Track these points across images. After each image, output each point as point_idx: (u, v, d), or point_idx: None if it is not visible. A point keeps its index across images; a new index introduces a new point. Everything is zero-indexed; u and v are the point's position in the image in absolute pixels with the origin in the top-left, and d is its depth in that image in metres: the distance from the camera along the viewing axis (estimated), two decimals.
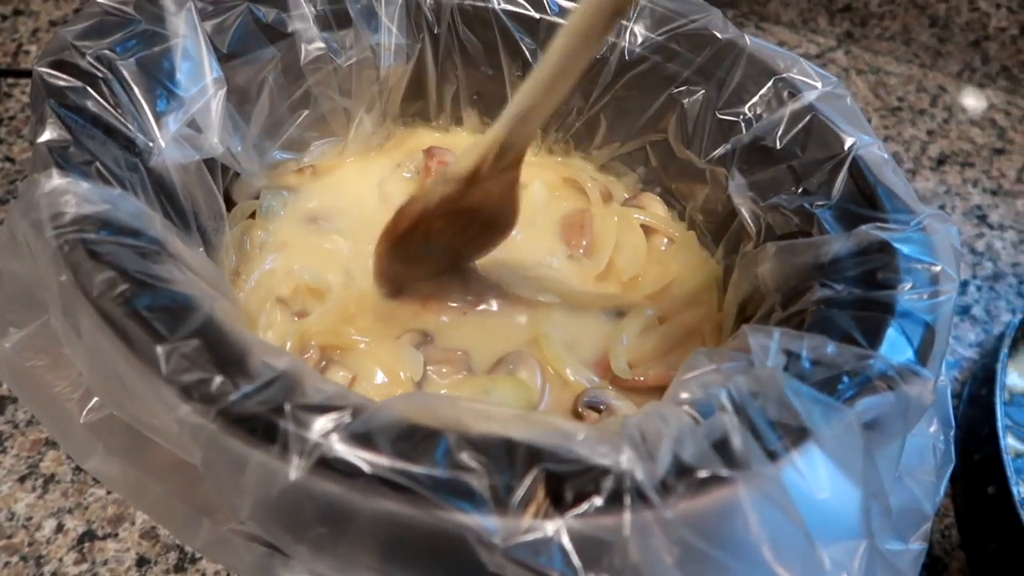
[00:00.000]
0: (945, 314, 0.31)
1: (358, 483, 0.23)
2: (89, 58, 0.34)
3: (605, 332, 0.42)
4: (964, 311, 0.59)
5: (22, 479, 0.43)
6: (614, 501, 0.23)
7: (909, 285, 0.32)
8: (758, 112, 0.42)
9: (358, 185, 0.48)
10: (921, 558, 0.29)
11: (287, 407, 0.24)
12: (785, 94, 0.41)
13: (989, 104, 0.76)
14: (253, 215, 0.45)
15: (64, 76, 0.33)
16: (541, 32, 0.47)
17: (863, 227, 0.34)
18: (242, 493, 0.24)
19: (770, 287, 0.37)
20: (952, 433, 0.33)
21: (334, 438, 0.24)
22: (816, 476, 0.25)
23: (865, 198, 0.36)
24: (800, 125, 0.40)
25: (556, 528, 0.23)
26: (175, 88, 0.36)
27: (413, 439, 0.24)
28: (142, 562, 0.41)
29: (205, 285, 0.30)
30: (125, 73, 0.35)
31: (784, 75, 0.41)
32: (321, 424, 0.24)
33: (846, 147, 0.38)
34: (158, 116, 0.35)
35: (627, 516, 0.23)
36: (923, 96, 0.76)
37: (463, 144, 0.50)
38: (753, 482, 0.24)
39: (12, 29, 0.69)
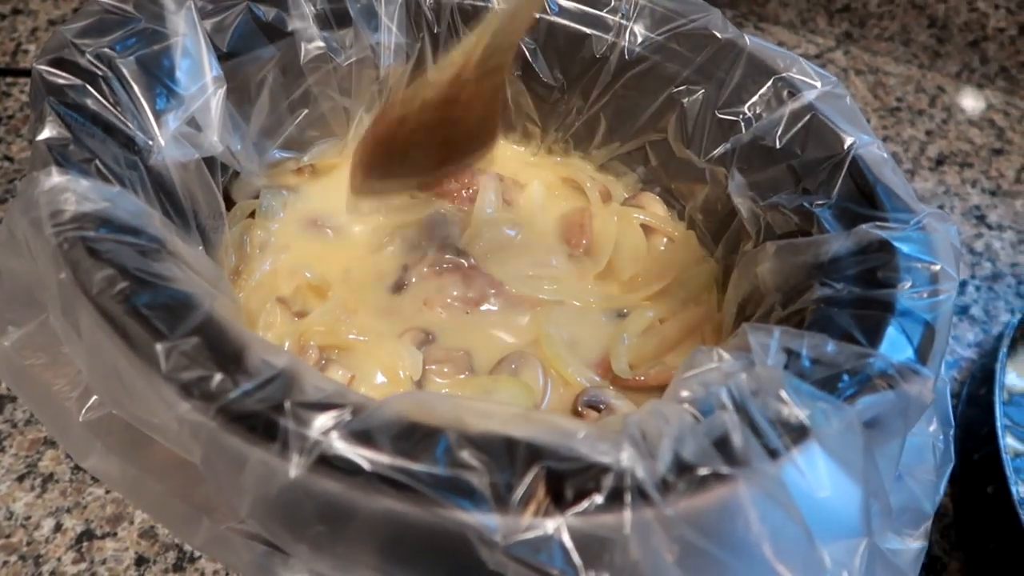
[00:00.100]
0: (945, 313, 0.31)
1: (358, 481, 0.23)
2: (89, 56, 0.34)
3: (606, 332, 0.42)
4: (963, 311, 0.59)
5: (20, 478, 0.43)
6: (615, 499, 0.23)
7: (909, 284, 0.32)
8: (758, 112, 0.42)
9: None
10: (921, 557, 0.29)
11: (287, 405, 0.24)
12: (785, 94, 0.41)
13: (988, 104, 0.77)
14: (253, 214, 0.45)
15: (64, 74, 0.33)
16: (541, 32, 0.47)
17: (863, 226, 0.34)
18: (242, 491, 0.24)
19: (770, 286, 0.37)
20: (952, 432, 0.33)
21: (334, 436, 0.24)
22: (816, 474, 0.25)
23: (865, 197, 0.36)
24: (800, 124, 0.40)
25: (557, 526, 0.23)
26: (175, 86, 0.36)
27: (413, 437, 0.24)
28: (141, 561, 0.41)
29: (205, 283, 0.30)
30: (125, 71, 0.35)
31: (784, 75, 0.41)
32: (321, 422, 0.24)
33: (846, 146, 0.38)
34: (158, 114, 0.35)
35: (628, 514, 0.23)
36: (922, 96, 0.76)
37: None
38: (754, 480, 0.24)
39: (11, 28, 0.69)
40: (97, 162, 0.31)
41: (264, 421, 0.24)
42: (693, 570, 0.23)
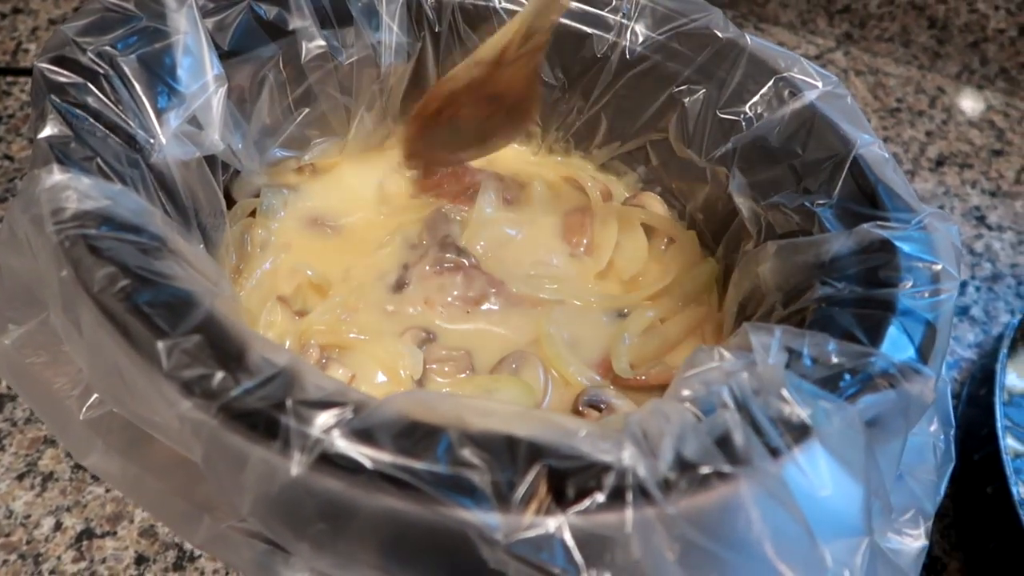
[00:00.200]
0: (946, 312, 0.31)
1: (359, 479, 0.23)
2: (90, 54, 0.34)
3: (607, 332, 0.42)
4: (963, 312, 0.59)
5: (20, 477, 0.43)
6: (616, 497, 0.23)
7: (910, 283, 0.32)
8: (759, 111, 0.42)
9: (358, 184, 0.48)
10: (922, 556, 0.29)
11: (288, 403, 0.24)
12: (786, 93, 0.41)
13: (988, 105, 0.77)
14: (253, 213, 0.45)
15: (65, 72, 0.33)
16: None
17: (864, 225, 0.34)
18: (243, 489, 0.24)
19: (771, 286, 0.37)
20: (952, 432, 0.33)
21: (336, 434, 0.23)
22: (818, 473, 0.25)
23: (866, 197, 0.36)
24: (801, 124, 0.40)
25: (558, 524, 0.23)
26: (176, 85, 0.36)
27: (415, 435, 0.24)
28: (141, 560, 0.41)
29: (206, 282, 0.30)
30: (126, 69, 0.35)
31: (785, 74, 0.41)
32: (323, 420, 0.24)
33: (847, 146, 0.38)
34: (159, 112, 0.35)
35: (629, 513, 0.23)
36: (922, 97, 0.76)
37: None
38: (755, 479, 0.24)
39: (11, 27, 0.69)
40: (98, 160, 0.31)
41: (265, 419, 0.24)
42: (694, 569, 0.23)
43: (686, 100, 0.45)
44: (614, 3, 0.46)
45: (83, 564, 0.41)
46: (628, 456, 0.24)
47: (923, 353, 0.30)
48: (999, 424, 0.45)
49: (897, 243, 0.33)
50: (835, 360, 0.28)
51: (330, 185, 0.47)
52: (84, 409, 0.30)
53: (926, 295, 0.31)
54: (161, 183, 0.35)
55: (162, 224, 0.31)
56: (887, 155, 0.38)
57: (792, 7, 0.80)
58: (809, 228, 0.37)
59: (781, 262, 0.37)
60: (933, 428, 0.33)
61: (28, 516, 0.42)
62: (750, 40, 0.43)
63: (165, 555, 0.41)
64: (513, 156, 0.51)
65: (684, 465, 0.24)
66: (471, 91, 0.42)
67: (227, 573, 0.41)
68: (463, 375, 0.40)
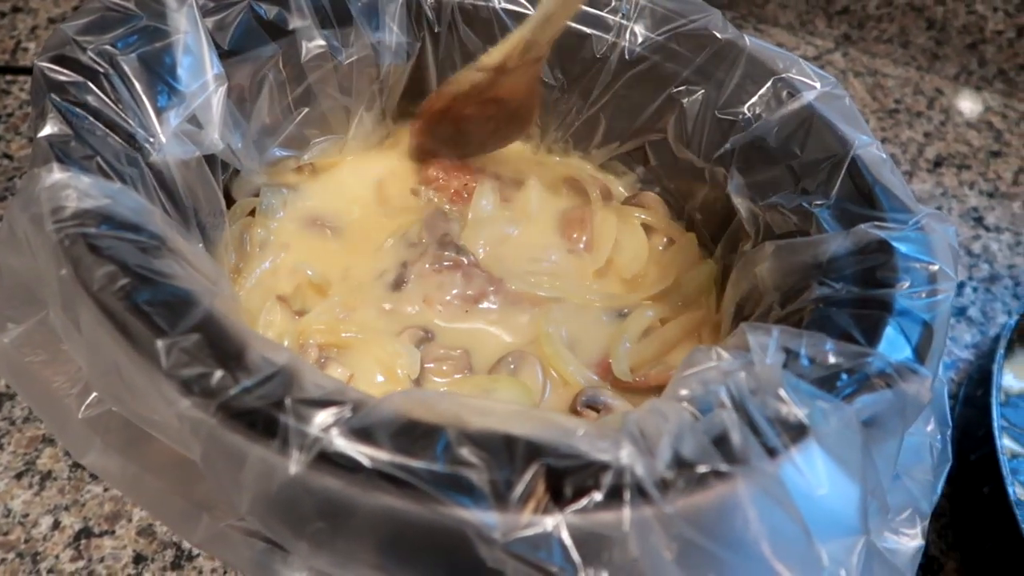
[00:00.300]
0: (943, 313, 0.31)
1: (358, 478, 0.23)
2: (90, 53, 0.34)
3: (606, 332, 0.42)
4: (960, 313, 0.59)
5: (19, 476, 0.43)
6: (614, 496, 0.23)
7: (907, 284, 0.32)
8: (757, 112, 0.42)
9: (357, 183, 0.48)
10: (918, 556, 0.29)
11: (287, 401, 0.24)
12: (784, 94, 0.41)
13: (986, 107, 0.77)
14: (253, 213, 0.45)
15: (65, 71, 0.33)
16: None
17: (861, 226, 0.35)
18: (241, 488, 0.24)
19: (768, 286, 0.37)
20: (949, 432, 0.33)
21: (334, 432, 0.24)
22: (815, 473, 0.25)
23: (863, 197, 0.36)
24: (799, 125, 0.40)
25: (556, 523, 0.23)
26: (176, 84, 0.36)
27: (413, 434, 0.24)
28: (139, 559, 0.41)
29: (205, 281, 0.30)
30: (126, 68, 0.35)
31: (783, 75, 0.42)
32: (321, 418, 0.24)
33: (845, 147, 0.38)
34: (159, 112, 0.35)
35: (627, 512, 0.23)
36: (920, 98, 0.77)
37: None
38: (752, 478, 0.24)
39: (11, 26, 0.69)
40: (98, 159, 0.31)
41: (264, 418, 0.24)
42: (692, 568, 0.23)
43: (685, 101, 0.45)
44: (613, 4, 0.46)
45: (81, 563, 0.41)
46: (626, 455, 0.24)
47: (920, 353, 0.30)
48: (996, 424, 0.45)
49: (894, 244, 0.33)
50: (832, 360, 0.28)
51: (329, 185, 0.47)
52: (83, 408, 0.30)
53: (923, 295, 0.31)
54: (161, 182, 0.35)
55: (161, 223, 0.31)
56: (885, 156, 0.38)
57: (791, 8, 0.80)
58: (807, 228, 0.37)
59: (779, 262, 0.37)
60: (930, 428, 0.33)
61: (26, 515, 0.42)
62: (749, 41, 0.43)
63: (163, 554, 0.41)
64: (511, 155, 0.51)
65: (682, 464, 0.24)
66: (474, 94, 0.44)
67: (225, 572, 0.41)
68: (461, 375, 0.40)
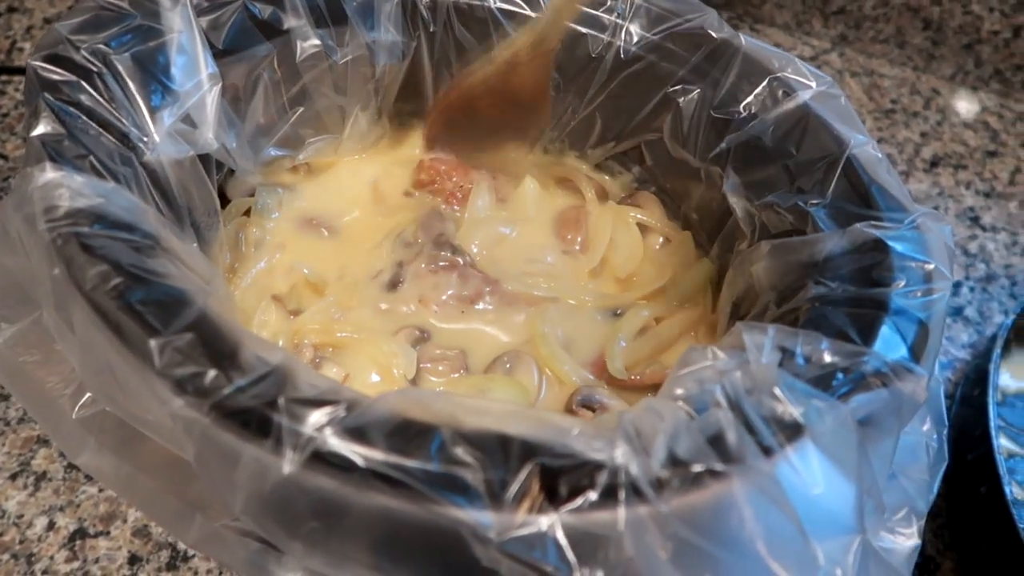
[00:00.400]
0: (939, 312, 0.31)
1: (352, 477, 0.23)
2: (84, 52, 0.34)
3: (601, 331, 0.42)
4: (957, 312, 0.59)
5: (13, 476, 0.43)
6: (609, 496, 0.23)
7: (903, 283, 0.32)
8: (753, 111, 0.42)
9: (353, 183, 0.48)
10: (915, 556, 0.29)
11: (281, 401, 0.24)
12: (780, 93, 0.41)
13: (982, 107, 0.77)
14: (247, 212, 0.45)
15: (59, 70, 0.33)
16: None
17: (857, 225, 0.35)
18: (235, 488, 0.24)
19: (764, 285, 0.37)
20: (945, 432, 0.33)
21: (328, 432, 0.23)
22: (810, 472, 0.25)
23: (859, 196, 0.36)
24: (795, 124, 0.40)
25: (551, 523, 0.23)
26: (170, 83, 0.36)
27: (407, 433, 0.24)
28: (134, 560, 0.41)
29: (199, 280, 0.30)
30: (120, 68, 0.34)
31: (779, 74, 0.41)
32: (315, 418, 0.24)
33: (840, 146, 0.38)
34: (153, 111, 0.35)
35: (622, 511, 0.23)
36: (916, 99, 0.77)
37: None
38: (748, 477, 0.24)
39: (6, 26, 0.69)
40: (92, 158, 0.31)
41: (258, 417, 0.24)
42: (687, 567, 0.23)
43: (680, 100, 0.45)
44: (609, 3, 0.46)
45: (76, 564, 0.40)
46: (621, 454, 0.24)
47: (916, 352, 0.30)
48: (992, 424, 0.45)
49: (890, 243, 0.33)
50: (828, 359, 0.28)
51: (325, 184, 0.47)
52: (77, 408, 0.30)
53: (919, 295, 0.31)
54: (154, 182, 0.34)
55: (155, 222, 0.31)
56: (880, 155, 0.38)
57: (787, 8, 0.80)
58: (803, 228, 0.37)
59: (775, 261, 0.37)
60: (926, 427, 0.33)
61: (21, 516, 0.42)
62: (744, 40, 0.43)
63: (158, 555, 0.41)
64: (507, 155, 0.51)
65: (677, 463, 0.24)
66: (486, 86, 0.46)
67: (220, 572, 0.41)
68: (457, 374, 0.39)
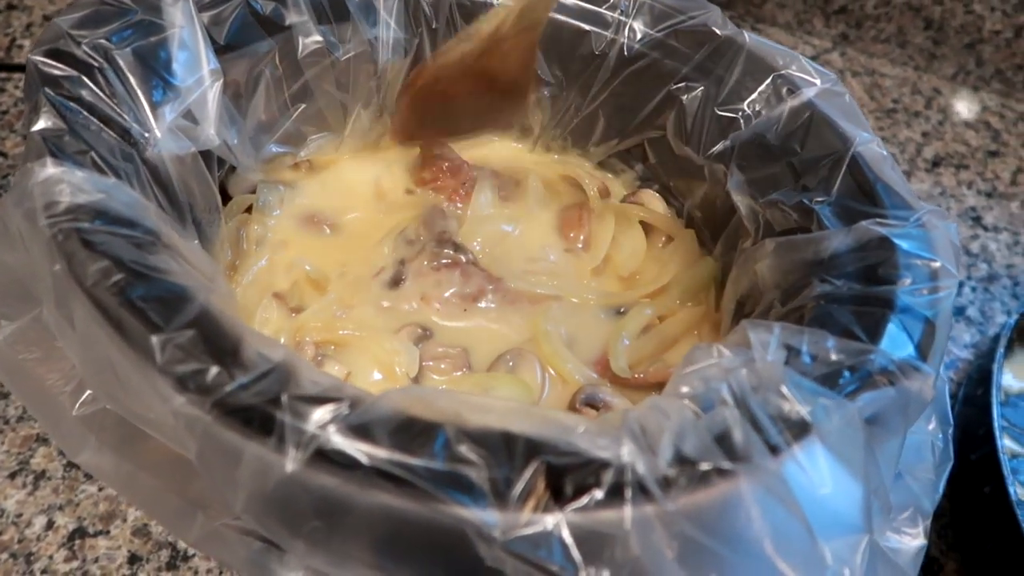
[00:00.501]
0: (945, 310, 0.31)
1: (355, 475, 0.23)
2: (85, 47, 0.34)
3: (604, 329, 0.42)
4: (959, 312, 0.59)
5: (12, 475, 0.43)
6: (615, 494, 0.23)
7: (909, 280, 0.32)
8: (757, 109, 0.42)
9: (355, 180, 0.48)
10: (921, 555, 0.29)
11: (284, 398, 0.24)
12: (784, 91, 0.41)
13: (983, 107, 0.77)
14: (249, 209, 0.44)
15: (59, 65, 0.33)
16: None
17: (862, 223, 0.34)
18: (237, 486, 0.24)
19: (769, 283, 0.37)
20: (951, 431, 0.33)
21: (331, 430, 0.23)
22: (817, 471, 0.25)
23: (864, 194, 0.36)
24: (799, 122, 0.40)
25: (556, 521, 0.22)
26: (171, 79, 0.36)
27: (411, 431, 0.24)
28: (134, 559, 0.41)
29: (201, 277, 0.29)
30: (121, 63, 0.34)
31: (783, 72, 0.41)
32: (318, 415, 0.23)
33: (845, 143, 0.38)
34: (154, 106, 0.35)
35: (628, 510, 0.23)
36: (918, 98, 0.76)
37: (458, 142, 0.50)
38: (755, 476, 0.24)
39: (6, 23, 0.69)
40: (92, 154, 0.31)
41: (260, 415, 0.24)
42: (693, 566, 0.23)
43: (684, 97, 0.45)
44: (612, 0, 0.46)
45: (75, 563, 0.40)
46: (627, 453, 0.24)
47: (922, 350, 0.30)
48: (996, 424, 0.45)
49: (896, 240, 0.33)
50: (834, 357, 0.28)
51: (327, 181, 0.47)
52: (77, 405, 0.30)
53: (925, 292, 0.31)
54: (156, 178, 0.34)
55: (156, 219, 0.30)
56: (885, 153, 0.38)
57: (789, 8, 0.80)
58: (807, 225, 0.37)
59: (779, 260, 0.37)
60: (931, 427, 0.32)
61: (20, 515, 0.42)
62: (748, 38, 0.43)
63: (158, 554, 0.41)
64: (509, 153, 0.51)
65: (683, 462, 0.24)
66: (463, 66, 0.40)
67: (221, 572, 0.41)
68: (459, 373, 0.39)
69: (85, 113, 0.32)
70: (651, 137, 0.48)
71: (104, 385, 0.27)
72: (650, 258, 0.46)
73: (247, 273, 0.41)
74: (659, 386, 0.37)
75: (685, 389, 0.27)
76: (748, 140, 0.42)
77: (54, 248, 0.27)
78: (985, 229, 0.66)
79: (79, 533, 0.41)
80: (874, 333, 0.30)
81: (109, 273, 0.26)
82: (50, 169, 0.29)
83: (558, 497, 0.23)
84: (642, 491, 0.23)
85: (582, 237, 0.46)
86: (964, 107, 0.76)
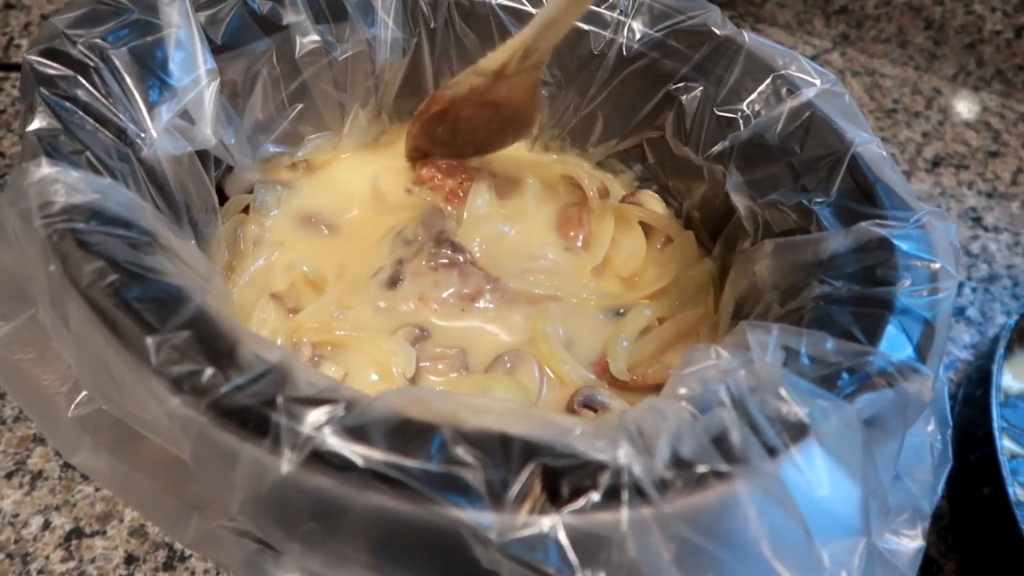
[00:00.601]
0: (944, 311, 0.31)
1: (351, 477, 0.23)
2: (81, 47, 0.33)
3: (603, 331, 0.42)
4: (959, 313, 0.59)
5: (9, 475, 0.43)
6: (611, 496, 0.23)
7: (908, 282, 0.32)
8: (756, 109, 0.42)
9: (352, 180, 0.48)
10: (919, 557, 0.29)
11: (279, 400, 0.24)
12: (783, 91, 0.41)
13: (983, 107, 0.77)
14: (246, 210, 0.44)
15: (55, 65, 0.33)
16: None
17: (862, 224, 0.34)
18: (233, 487, 0.24)
19: (768, 284, 0.37)
20: (949, 432, 0.33)
21: (327, 431, 0.23)
22: (816, 472, 0.24)
23: (864, 195, 0.36)
24: (799, 122, 0.40)
25: (552, 524, 0.22)
26: (168, 78, 0.36)
27: (407, 433, 0.24)
28: (130, 560, 0.41)
29: (197, 277, 0.29)
30: (117, 62, 0.34)
31: (782, 72, 0.41)
32: (314, 417, 0.23)
33: (845, 144, 0.38)
34: (150, 106, 0.35)
35: (625, 512, 0.22)
36: (918, 98, 0.76)
37: None
38: (752, 478, 0.24)
39: (3, 23, 0.69)
40: (88, 154, 0.30)
41: (256, 416, 0.24)
42: (691, 569, 0.23)
43: (683, 98, 0.45)
44: (611, 0, 0.46)
45: (72, 564, 0.40)
46: (624, 455, 0.23)
47: (921, 352, 0.30)
48: (995, 425, 0.45)
49: (895, 241, 0.33)
50: (833, 359, 0.28)
51: (324, 182, 0.47)
52: (72, 406, 0.29)
53: (924, 294, 0.31)
54: (152, 178, 0.34)
55: (152, 219, 0.30)
56: (885, 153, 0.37)
57: (789, 8, 0.80)
58: (807, 226, 0.37)
59: (778, 260, 0.37)
60: (930, 428, 0.32)
61: (16, 515, 0.41)
62: (748, 38, 0.43)
63: (155, 555, 0.41)
64: (508, 153, 0.50)
65: (680, 464, 0.24)
66: (472, 98, 0.44)
67: (218, 573, 0.41)
68: (457, 374, 0.39)
69: (81, 113, 0.32)
70: (650, 137, 0.48)
71: (100, 386, 0.27)
72: (649, 259, 0.46)
73: (244, 273, 0.41)
74: (658, 388, 0.37)
75: (683, 391, 0.27)
76: (747, 140, 0.42)
77: (49, 248, 0.27)
78: (985, 229, 0.66)
79: (76, 533, 0.41)
80: (873, 334, 0.30)
81: (104, 274, 0.26)
82: (45, 169, 0.29)
83: (554, 499, 0.23)
84: (639, 493, 0.23)
85: (582, 236, 0.46)
86: (964, 107, 0.76)
